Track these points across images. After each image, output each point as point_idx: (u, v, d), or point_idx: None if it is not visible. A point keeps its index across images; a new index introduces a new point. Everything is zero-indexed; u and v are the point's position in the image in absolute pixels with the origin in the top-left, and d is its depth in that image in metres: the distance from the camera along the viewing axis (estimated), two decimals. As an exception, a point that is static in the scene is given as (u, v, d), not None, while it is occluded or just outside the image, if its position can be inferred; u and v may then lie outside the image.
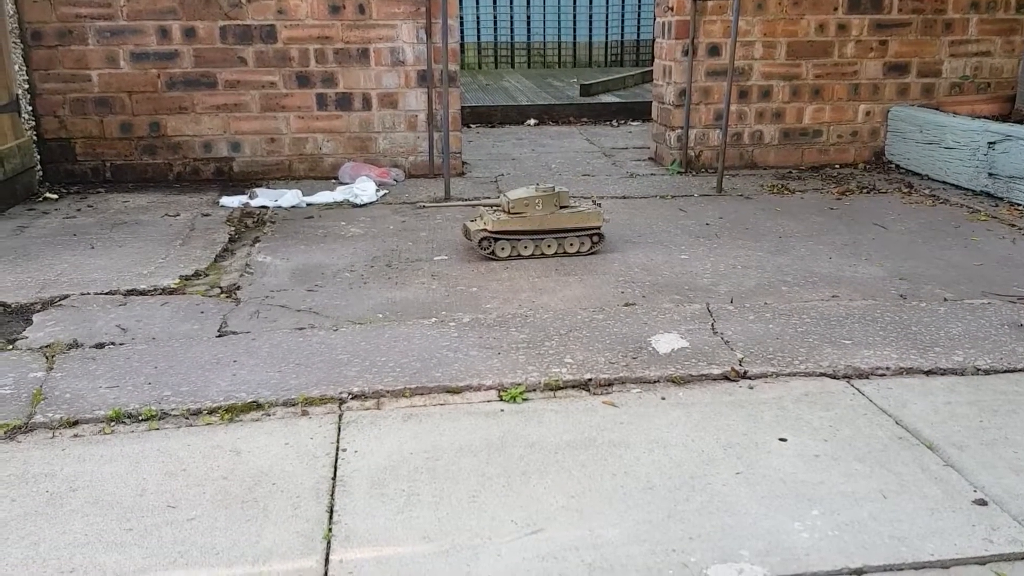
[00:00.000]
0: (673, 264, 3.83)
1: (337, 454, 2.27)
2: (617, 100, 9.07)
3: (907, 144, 5.81)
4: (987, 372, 2.76)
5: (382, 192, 5.17)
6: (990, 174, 5.03)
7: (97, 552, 1.88)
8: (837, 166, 6.02)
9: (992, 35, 5.97)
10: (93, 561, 1.85)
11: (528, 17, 12.72)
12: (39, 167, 5.30)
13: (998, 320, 3.15)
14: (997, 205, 4.88)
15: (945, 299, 3.38)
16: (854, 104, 5.96)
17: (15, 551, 1.89)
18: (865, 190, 5.32)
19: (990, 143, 5.01)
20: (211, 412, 2.50)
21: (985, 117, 5.47)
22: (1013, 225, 4.47)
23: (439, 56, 5.41)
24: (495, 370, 2.73)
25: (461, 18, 11.94)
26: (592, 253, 3.97)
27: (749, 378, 2.72)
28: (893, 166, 5.96)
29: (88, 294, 3.45)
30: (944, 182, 5.43)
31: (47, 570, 1.83)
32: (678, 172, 5.82)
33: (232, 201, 4.92)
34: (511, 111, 8.53)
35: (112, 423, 2.44)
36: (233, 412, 2.50)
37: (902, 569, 1.83)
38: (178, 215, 4.70)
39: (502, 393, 2.60)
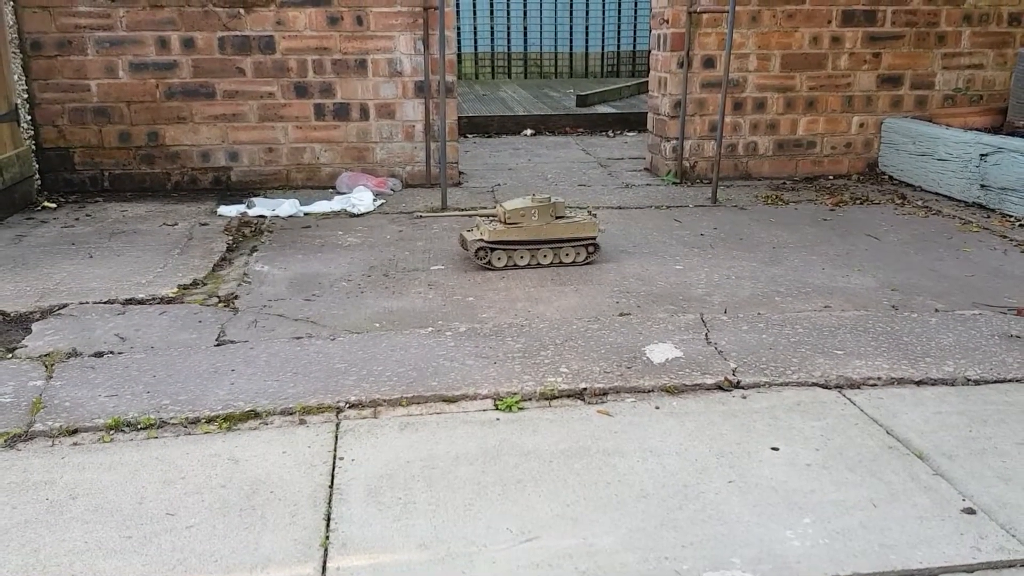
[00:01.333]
0: (668, 274, 3.87)
1: (334, 462, 2.30)
2: (613, 111, 9.12)
3: (900, 155, 5.86)
4: (977, 382, 2.79)
5: (379, 202, 5.20)
6: (982, 186, 5.07)
7: (97, 559, 1.90)
8: (831, 177, 6.07)
9: (985, 48, 6.02)
10: (93, 568, 1.87)
11: (525, 28, 12.78)
12: (38, 176, 5.33)
13: (988, 331, 3.19)
14: (989, 216, 4.92)
15: (936, 310, 3.41)
16: (848, 116, 6.00)
17: (15, 558, 1.91)
18: (858, 201, 5.36)
19: (982, 155, 5.05)
20: (209, 421, 2.52)
21: (977, 129, 5.51)
22: (1005, 236, 4.52)
23: (436, 67, 5.45)
24: (491, 379, 2.76)
25: (458, 29, 12.00)
26: (587, 263, 4.00)
27: (742, 388, 2.75)
28: (886, 177, 6.01)
29: (87, 303, 3.47)
30: (937, 193, 5.47)
31: (47, 577, 1.85)
32: (673, 183, 5.86)
33: (230, 210, 4.94)
34: (508, 121, 8.57)
35: (111, 431, 2.46)
36: (231, 421, 2.52)
37: (891, 577, 1.86)
38: (176, 224, 4.72)
39: (498, 402, 2.63)
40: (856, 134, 6.06)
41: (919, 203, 5.28)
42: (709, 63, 5.73)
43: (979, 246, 4.35)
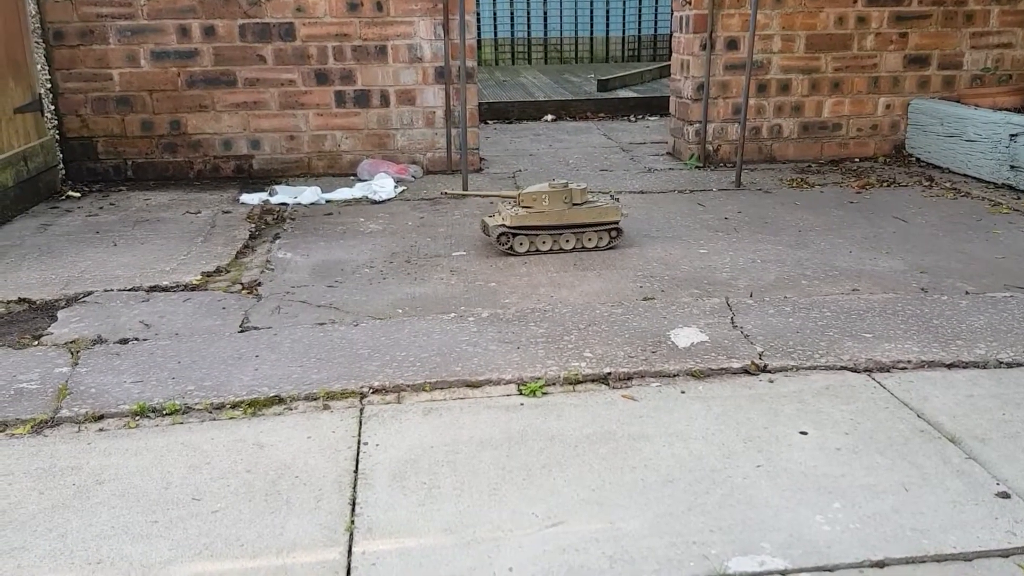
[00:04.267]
0: (692, 258, 3.83)
1: (359, 447, 2.29)
2: (634, 95, 9.05)
3: (928, 137, 5.77)
4: (1010, 365, 2.74)
5: (400, 188, 5.19)
6: (1012, 166, 4.98)
7: (123, 544, 1.91)
8: (857, 159, 5.99)
9: (1013, 26, 5.90)
10: (120, 553, 1.88)
11: (545, 13, 12.71)
12: (61, 165, 5.36)
13: (1020, 313, 3.13)
14: (1019, 198, 4.83)
15: (967, 292, 3.36)
16: (874, 97, 5.92)
17: (43, 543, 1.92)
18: (885, 183, 5.28)
19: (1012, 135, 4.96)
20: (234, 406, 2.52)
21: (1007, 109, 5.41)
22: (1036, 218, 4.44)
23: (456, 52, 5.43)
24: (514, 364, 2.74)
25: (478, 14, 11.94)
26: (610, 248, 3.97)
27: (769, 372, 2.71)
28: (914, 159, 5.92)
29: (111, 291, 3.48)
30: (965, 175, 5.38)
31: (75, 561, 1.85)
32: (696, 166, 5.80)
33: (252, 198, 4.95)
34: (528, 107, 8.53)
35: (137, 417, 2.47)
36: (256, 406, 2.52)
37: (924, 562, 1.82)
38: (199, 212, 4.74)
39: (521, 387, 2.61)
40: (882, 116, 5.97)
41: (947, 185, 5.20)
42: (732, 45, 5.66)
43: (1009, 228, 4.27)
